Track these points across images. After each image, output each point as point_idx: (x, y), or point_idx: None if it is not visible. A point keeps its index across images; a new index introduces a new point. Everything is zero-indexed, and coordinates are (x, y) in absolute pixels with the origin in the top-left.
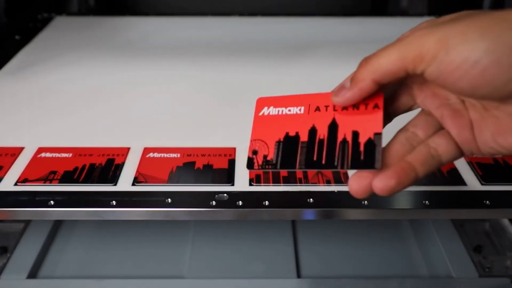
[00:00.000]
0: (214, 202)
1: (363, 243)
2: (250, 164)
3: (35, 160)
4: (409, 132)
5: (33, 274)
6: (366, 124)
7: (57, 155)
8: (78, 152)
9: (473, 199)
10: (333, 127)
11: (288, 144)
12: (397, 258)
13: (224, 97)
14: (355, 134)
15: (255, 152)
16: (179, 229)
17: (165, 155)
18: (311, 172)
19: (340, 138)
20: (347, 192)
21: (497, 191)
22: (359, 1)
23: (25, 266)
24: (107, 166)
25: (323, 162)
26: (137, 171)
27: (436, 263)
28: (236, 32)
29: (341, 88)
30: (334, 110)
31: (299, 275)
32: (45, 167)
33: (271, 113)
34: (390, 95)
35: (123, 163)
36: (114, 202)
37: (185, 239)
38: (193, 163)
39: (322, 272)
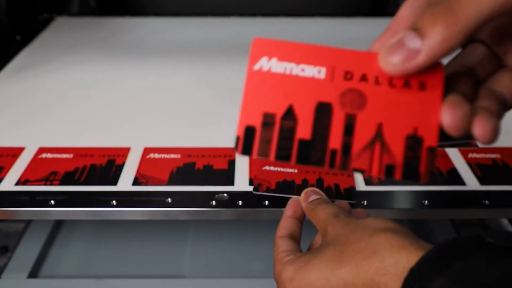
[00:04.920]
0: (214, 202)
1: None
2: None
3: (36, 161)
4: (465, 67)
5: (34, 273)
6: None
7: (58, 155)
8: (78, 152)
9: (472, 199)
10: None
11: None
12: None
13: (225, 98)
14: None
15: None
16: (179, 229)
17: (166, 155)
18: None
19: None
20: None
21: (496, 191)
22: (359, 1)
23: (26, 265)
24: (107, 166)
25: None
26: (138, 171)
27: None
28: (237, 33)
29: (400, 44)
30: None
31: None
32: (45, 167)
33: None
34: None
35: (123, 164)
36: (114, 202)
37: (186, 239)
38: (193, 163)
39: None
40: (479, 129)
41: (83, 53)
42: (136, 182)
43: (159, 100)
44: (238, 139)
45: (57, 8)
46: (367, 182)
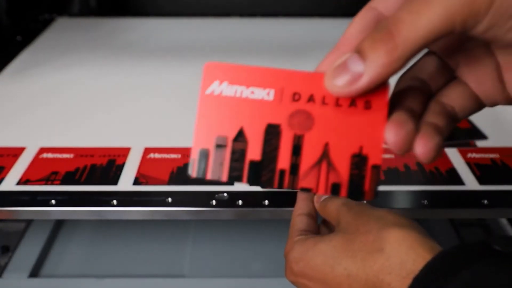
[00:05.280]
0: (214, 201)
1: None
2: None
3: (37, 161)
4: (417, 79)
5: (34, 273)
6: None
7: (59, 155)
8: (79, 152)
9: (472, 198)
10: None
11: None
12: None
13: None
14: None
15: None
16: (179, 228)
17: (166, 155)
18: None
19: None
20: None
21: (495, 191)
22: (358, 1)
23: (27, 265)
24: (108, 166)
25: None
26: (138, 171)
27: None
28: (237, 33)
29: (343, 67)
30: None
31: None
32: (46, 167)
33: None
34: None
35: (123, 164)
36: (115, 202)
37: (186, 239)
38: None
39: None
40: (420, 147)
41: (83, 53)
42: (136, 182)
43: (160, 100)
44: (192, 162)
45: (58, 9)
46: None
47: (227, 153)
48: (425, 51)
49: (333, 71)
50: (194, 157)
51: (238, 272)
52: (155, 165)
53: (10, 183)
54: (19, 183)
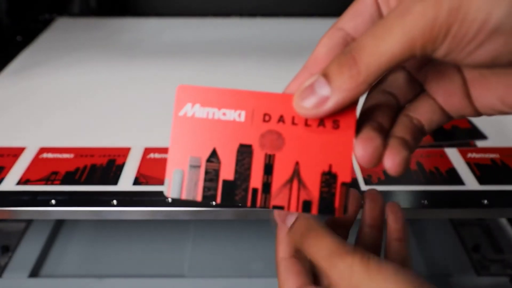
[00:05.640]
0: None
1: None
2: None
3: (37, 161)
4: (386, 94)
5: (35, 273)
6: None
7: (59, 155)
8: (79, 152)
9: (471, 198)
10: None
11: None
12: None
13: None
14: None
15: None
16: (179, 228)
17: (166, 155)
18: None
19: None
20: None
21: (495, 191)
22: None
23: (27, 265)
24: (108, 166)
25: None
26: (138, 171)
27: (434, 262)
28: (237, 33)
29: (311, 90)
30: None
31: None
32: (46, 167)
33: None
34: None
35: (123, 164)
36: (115, 202)
37: (186, 238)
38: None
39: None
40: (388, 161)
41: (83, 53)
42: (136, 182)
43: (160, 100)
44: (167, 182)
45: (58, 9)
46: (367, 182)
47: (201, 173)
48: None
49: (301, 93)
50: (169, 177)
51: (238, 272)
52: (155, 165)
53: (10, 183)
54: (19, 183)
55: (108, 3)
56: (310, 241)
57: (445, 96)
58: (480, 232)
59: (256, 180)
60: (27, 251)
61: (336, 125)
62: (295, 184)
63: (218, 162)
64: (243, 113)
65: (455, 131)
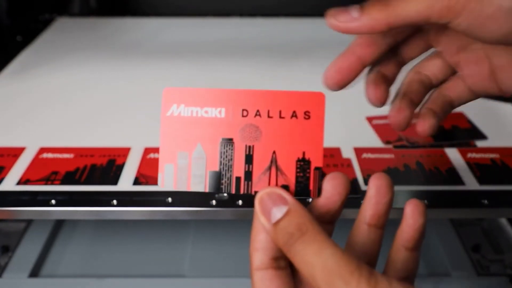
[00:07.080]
0: (214, 201)
1: None
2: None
3: (37, 161)
4: (422, 75)
5: (35, 273)
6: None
7: (59, 155)
8: (79, 152)
9: (472, 198)
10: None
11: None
12: None
13: None
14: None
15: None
16: (179, 228)
17: None
18: None
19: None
20: None
21: (495, 191)
22: (360, 2)
23: (27, 265)
24: (108, 166)
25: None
26: (138, 171)
27: (434, 262)
28: (237, 33)
29: (344, 12)
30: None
31: None
32: (46, 167)
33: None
34: (401, 39)
35: (123, 164)
36: (115, 202)
37: (186, 239)
38: None
39: None
40: (420, 126)
41: (84, 53)
42: (136, 182)
43: (160, 100)
44: (160, 175)
45: (58, 9)
46: (366, 182)
47: (189, 166)
48: (432, 51)
49: (339, 11)
50: (162, 172)
51: (238, 272)
52: (155, 165)
53: (10, 183)
54: (19, 183)
55: (108, 3)
56: (302, 248)
57: (474, 78)
58: (480, 232)
59: (238, 169)
60: (27, 251)
61: (307, 116)
62: (273, 171)
63: (204, 155)
64: (223, 110)
65: (455, 131)
